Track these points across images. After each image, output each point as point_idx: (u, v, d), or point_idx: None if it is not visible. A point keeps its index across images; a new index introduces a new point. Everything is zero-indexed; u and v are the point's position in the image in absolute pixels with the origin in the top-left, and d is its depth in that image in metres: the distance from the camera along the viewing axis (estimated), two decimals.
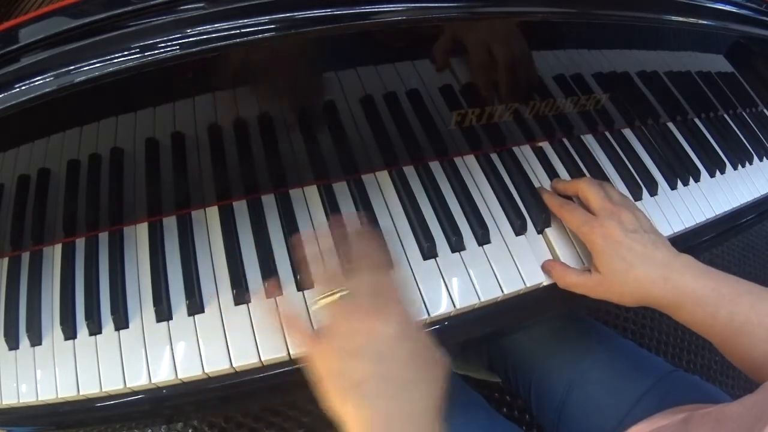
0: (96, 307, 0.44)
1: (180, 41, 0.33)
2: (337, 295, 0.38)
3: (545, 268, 0.50)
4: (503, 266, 0.49)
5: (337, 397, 0.35)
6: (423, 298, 0.46)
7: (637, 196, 0.57)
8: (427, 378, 0.37)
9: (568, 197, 0.53)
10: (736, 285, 0.43)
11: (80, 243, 0.47)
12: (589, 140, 0.62)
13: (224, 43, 0.34)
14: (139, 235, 0.48)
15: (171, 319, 0.44)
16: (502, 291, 0.48)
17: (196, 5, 0.33)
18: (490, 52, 0.46)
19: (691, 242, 0.58)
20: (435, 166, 0.54)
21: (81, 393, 0.41)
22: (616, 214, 0.47)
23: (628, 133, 0.64)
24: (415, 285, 0.47)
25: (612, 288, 0.45)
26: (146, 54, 0.33)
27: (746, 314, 0.41)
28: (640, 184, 0.58)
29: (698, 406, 0.47)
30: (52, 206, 0.45)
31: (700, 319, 0.43)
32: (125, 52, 0.33)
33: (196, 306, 0.44)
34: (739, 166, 0.67)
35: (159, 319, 0.44)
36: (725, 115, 0.73)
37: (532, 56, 0.49)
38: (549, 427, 0.61)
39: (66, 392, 0.41)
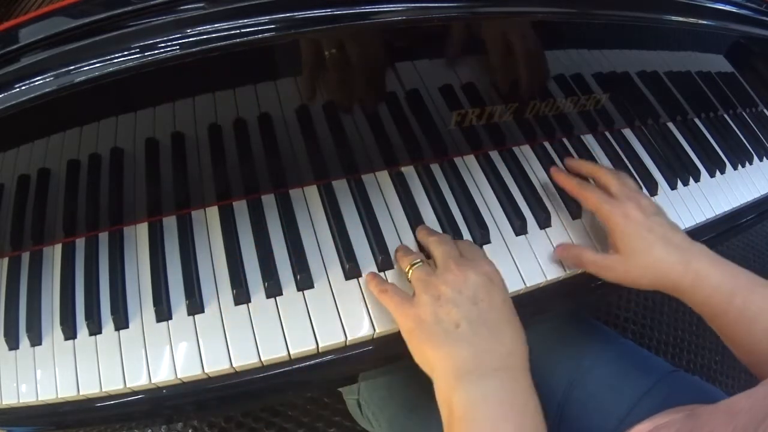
0: (96, 307, 0.44)
1: (180, 41, 0.33)
2: (416, 265, 0.42)
3: (560, 249, 0.49)
4: (503, 266, 0.49)
5: (429, 345, 0.37)
6: None
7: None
8: (515, 325, 0.39)
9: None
10: (751, 276, 0.43)
11: (80, 243, 0.47)
12: (589, 140, 0.62)
13: (224, 43, 0.34)
14: (139, 235, 0.48)
15: (171, 319, 0.44)
16: None
17: (196, 5, 0.33)
18: (492, 52, 0.46)
19: None
20: (435, 166, 0.54)
21: (81, 393, 0.41)
22: (636, 198, 0.47)
23: (628, 133, 0.64)
24: None
25: (632, 269, 0.45)
26: (146, 54, 0.33)
27: (759, 305, 0.41)
28: (640, 184, 0.58)
29: (698, 407, 0.47)
30: (52, 206, 0.45)
31: (714, 305, 0.43)
32: (125, 52, 0.33)
33: (196, 306, 0.44)
34: (739, 166, 0.67)
35: (159, 319, 0.44)
36: (725, 115, 0.73)
37: (533, 56, 0.49)
38: (549, 426, 0.61)
39: (66, 392, 0.41)
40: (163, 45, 0.33)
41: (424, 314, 0.38)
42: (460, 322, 0.37)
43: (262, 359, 0.42)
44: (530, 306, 0.50)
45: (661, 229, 0.45)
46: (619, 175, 0.51)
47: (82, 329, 0.43)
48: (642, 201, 0.47)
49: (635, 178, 0.58)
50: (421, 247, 0.48)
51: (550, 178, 0.55)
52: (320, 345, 0.43)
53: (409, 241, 0.49)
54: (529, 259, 0.50)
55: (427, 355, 0.37)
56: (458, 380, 0.35)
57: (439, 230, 0.50)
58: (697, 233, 0.59)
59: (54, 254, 0.47)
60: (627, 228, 0.45)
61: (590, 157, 0.60)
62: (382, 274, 0.47)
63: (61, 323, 0.43)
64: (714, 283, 0.42)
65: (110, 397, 0.42)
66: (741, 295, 0.41)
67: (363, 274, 0.46)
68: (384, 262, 0.47)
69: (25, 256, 0.47)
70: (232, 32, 0.33)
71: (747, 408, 0.34)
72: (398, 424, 0.57)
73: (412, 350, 0.39)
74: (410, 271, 0.42)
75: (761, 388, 0.34)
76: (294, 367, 0.43)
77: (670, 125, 0.67)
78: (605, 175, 0.50)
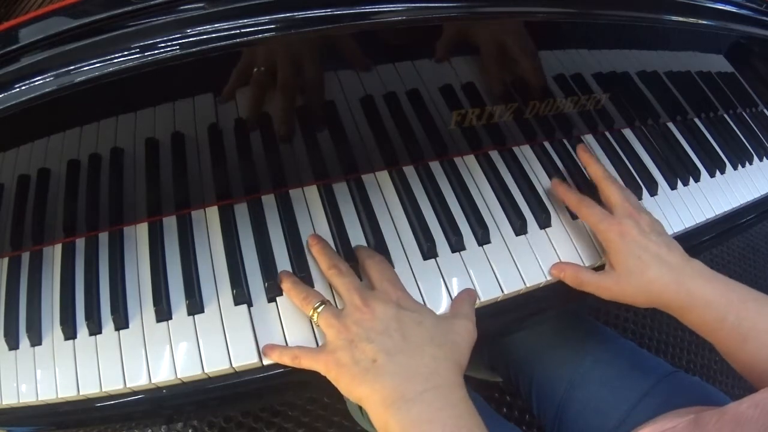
0: (96, 307, 0.44)
1: (180, 41, 0.33)
2: (320, 308, 0.42)
3: (555, 271, 0.49)
4: (503, 266, 0.49)
5: (354, 384, 0.37)
6: (423, 298, 0.46)
7: (637, 196, 0.57)
8: (436, 341, 0.39)
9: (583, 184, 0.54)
10: (744, 291, 0.43)
11: (80, 243, 0.47)
12: (589, 140, 0.62)
13: (224, 43, 0.34)
14: (139, 235, 0.48)
15: (171, 319, 0.44)
16: (502, 291, 0.48)
17: (196, 5, 0.33)
18: (492, 52, 0.46)
19: (691, 242, 0.58)
20: (435, 166, 0.54)
21: (81, 393, 0.41)
22: (634, 216, 0.47)
23: (628, 133, 0.64)
24: (415, 285, 0.47)
25: (626, 288, 0.45)
26: (146, 54, 0.33)
27: (753, 320, 0.41)
28: (640, 184, 0.58)
29: (699, 408, 0.47)
30: (52, 206, 0.45)
31: (708, 323, 0.43)
32: (125, 52, 0.33)
33: (196, 306, 0.44)
34: (739, 166, 0.67)
35: (159, 319, 0.44)
36: (725, 115, 0.73)
37: (534, 56, 0.49)
38: (549, 427, 0.61)
39: (66, 392, 0.41)
40: (163, 45, 0.33)
41: (342, 359, 0.38)
42: (377, 357, 0.37)
43: (262, 359, 0.42)
44: (530, 306, 0.50)
45: (656, 248, 0.45)
46: (622, 188, 0.51)
47: (82, 329, 0.43)
48: (641, 219, 0.47)
49: (635, 178, 0.59)
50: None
51: (551, 188, 0.55)
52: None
53: (409, 241, 0.49)
54: (529, 259, 0.50)
55: (355, 392, 0.38)
56: (387, 410, 0.36)
57: (439, 230, 0.50)
58: (697, 233, 0.59)
59: (54, 254, 0.47)
60: (622, 247, 0.46)
61: None
62: None
63: (61, 323, 0.43)
64: (707, 301, 0.43)
65: (110, 397, 0.42)
66: (734, 312, 0.42)
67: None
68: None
69: (25, 256, 0.47)
70: (232, 32, 0.33)
71: (755, 418, 0.34)
72: None
73: (343, 392, 0.39)
74: (314, 315, 0.41)
75: (764, 394, 0.34)
76: (294, 367, 0.43)
77: (670, 125, 0.67)
78: (609, 187, 0.50)
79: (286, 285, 0.44)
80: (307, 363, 0.40)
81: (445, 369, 0.38)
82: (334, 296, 0.45)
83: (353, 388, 0.37)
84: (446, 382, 0.37)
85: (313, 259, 0.47)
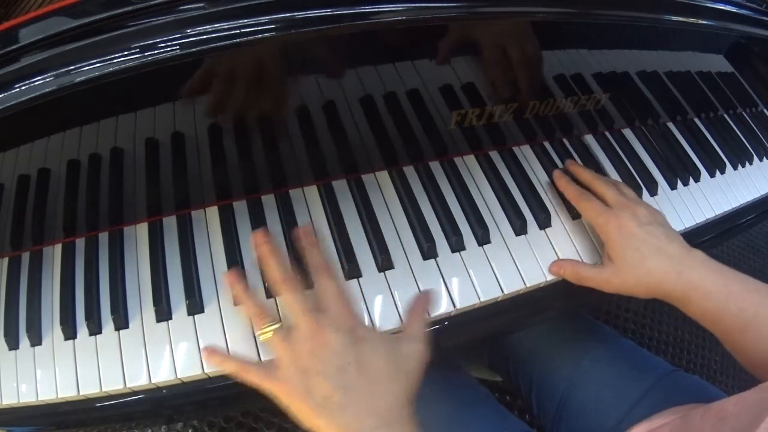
0: (96, 307, 0.44)
1: (180, 41, 0.33)
2: (272, 327, 0.40)
3: (555, 268, 0.49)
4: (503, 266, 0.49)
5: (309, 416, 0.36)
6: None
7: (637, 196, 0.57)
8: (391, 374, 0.38)
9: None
10: (745, 282, 0.43)
11: (80, 243, 0.47)
12: (589, 140, 0.62)
13: (224, 43, 0.34)
14: (139, 235, 0.48)
15: (171, 319, 0.44)
16: (502, 291, 0.48)
17: (196, 5, 0.33)
18: (492, 52, 0.46)
19: (691, 242, 0.57)
20: (435, 166, 0.54)
21: (81, 393, 0.41)
22: (631, 208, 0.47)
23: (628, 133, 0.64)
24: (415, 285, 0.47)
25: (626, 280, 0.45)
26: (146, 54, 0.33)
27: (755, 310, 0.41)
28: (640, 184, 0.58)
29: (696, 406, 0.47)
30: (52, 206, 0.45)
31: (708, 313, 0.43)
32: (125, 52, 0.33)
33: (196, 306, 0.44)
34: (739, 166, 0.67)
35: (159, 319, 0.44)
36: (725, 115, 0.73)
37: (533, 56, 0.49)
38: (549, 426, 0.61)
39: (66, 392, 0.41)
40: (163, 45, 0.33)
41: (296, 390, 0.37)
42: (332, 394, 0.36)
43: (262, 359, 0.42)
44: (530, 306, 0.50)
45: (654, 239, 0.45)
46: (616, 184, 0.51)
47: (82, 329, 0.43)
48: (638, 210, 0.47)
49: (635, 178, 0.59)
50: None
51: (553, 181, 0.55)
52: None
53: (409, 241, 0.49)
54: (529, 259, 0.50)
55: (308, 424, 0.37)
56: None
57: (439, 230, 0.50)
58: (697, 233, 0.59)
59: (54, 254, 0.47)
60: (621, 239, 0.46)
61: (590, 157, 0.60)
62: (381, 274, 0.47)
63: (61, 323, 0.43)
64: (707, 291, 0.43)
65: (110, 397, 0.42)
66: (734, 303, 0.42)
67: (363, 274, 0.46)
68: (384, 262, 0.47)
69: (25, 256, 0.47)
70: (232, 32, 0.33)
71: (735, 413, 0.34)
72: None
73: (295, 417, 0.38)
74: (264, 334, 0.40)
75: (751, 393, 0.35)
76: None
77: (670, 125, 0.67)
78: (601, 186, 0.51)
79: (237, 290, 0.42)
80: (254, 380, 0.38)
81: (398, 404, 0.37)
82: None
83: (306, 418, 0.37)
84: (398, 417, 0.37)
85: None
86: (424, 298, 0.45)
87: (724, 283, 0.43)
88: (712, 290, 0.43)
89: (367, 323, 0.41)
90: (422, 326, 0.42)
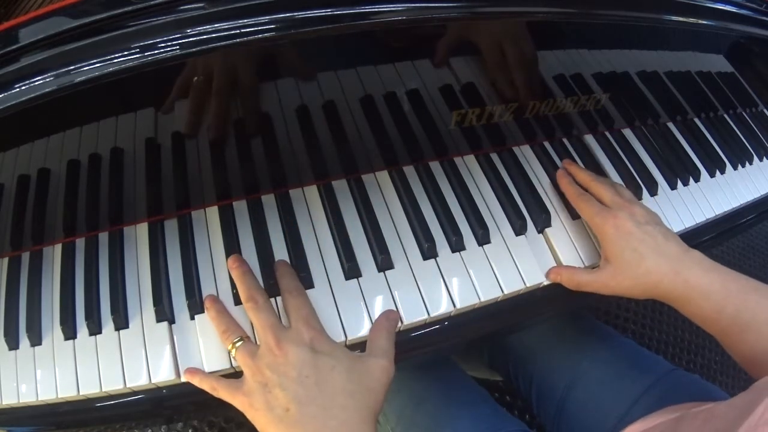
0: (96, 307, 0.44)
1: (180, 41, 0.33)
2: (238, 344, 0.41)
3: (552, 275, 0.49)
4: (503, 266, 0.49)
5: (268, 428, 0.37)
6: (423, 298, 0.46)
7: (637, 196, 0.57)
8: (348, 389, 0.38)
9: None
10: (744, 282, 0.43)
11: (80, 243, 0.47)
12: (589, 140, 0.62)
13: (224, 43, 0.34)
14: (139, 235, 0.48)
15: (171, 319, 0.44)
16: (502, 291, 0.48)
17: (196, 5, 0.33)
18: (492, 52, 0.46)
19: (691, 242, 0.58)
20: (435, 166, 0.54)
21: (81, 393, 0.41)
22: (628, 208, 0.48)
23: (628, 133, 0.64)
24: (415, 284, 0.47)
25: (624, 281, 0.45)
26: (146, 54, 0.33)
27: (752, 311, 0.41)
28: (640, 184, 0.58)
29: (694, 405, 0.47)
30: (52, 206, 0.45)
31: (706, 314, 0.43)
32: (125, 52, 0.33)
33: (196, 306, 0.44)
34: (739, 166, 0.67)
35: (159, 319, 0.44)
36: (725, 115, 0.73)
37: (534, 56, 0.49)
38: (549, 425, 0.61)
39: (66, 392, 0.41)
40: (163, 45, 0.33)
41: (257, 403, 0.38)
42: (289, 406, 0.36)
43: None
44: (530, 306, 0.50)
45: (652, 239, 0.45)
46: (613, 185, 0.52)
47: (82, 329, 0.43)
48: (635, 210, 0.47)
49: (635, 178, 0.59)
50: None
51: (554, 181, 0.56)
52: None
53: (409, 241, 0.49)
54: (529, 259, 0.50)
55: None
56: None
57: (439, 230, 0.50)
58: (697, 233, 0.59)
59: (54, 254, 0.47)
60: (618, 239, 0.46)
61: (590, 157, 0.60)
62: (381, 274, 0.47)
63: (61, 323, 0.43)
64: (705, 291, 0.43)
65: (110, 397, 0.42)
66: (733, 303, 0.42)
67: (363, 274, 0.46)
68: (384, 261, 0.47)
69: (25, 256, 0.47)
70: (232, 32, 0.33)
71: (722, 414, 0.34)
72: (406, 417, 0.57)
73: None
74: (233, 350, 0.41)
75: (741, 396, 0.35)
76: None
77: (670, 125, 0.67)
78: (598, 186, 0.51)
79: (210, 313, 0.43)
80: (224, 396, 0.40)
81: (355, 420, 0.37)
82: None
83: (267, 431, 0.37)
84: (363, 429, 0.37)
85: (313, 259, 0.47)
86: (390, 315, 0.44)
87: (723, 283, 0.43)
88: (711, 290, 0.42)
89: (330, 339, 0.41)
90: (388, 342, 0.42)
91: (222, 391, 0.40)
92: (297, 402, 0.37)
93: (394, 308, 0.45)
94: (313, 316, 0.42)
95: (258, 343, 0.41)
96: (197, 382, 0.41)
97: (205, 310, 0.44)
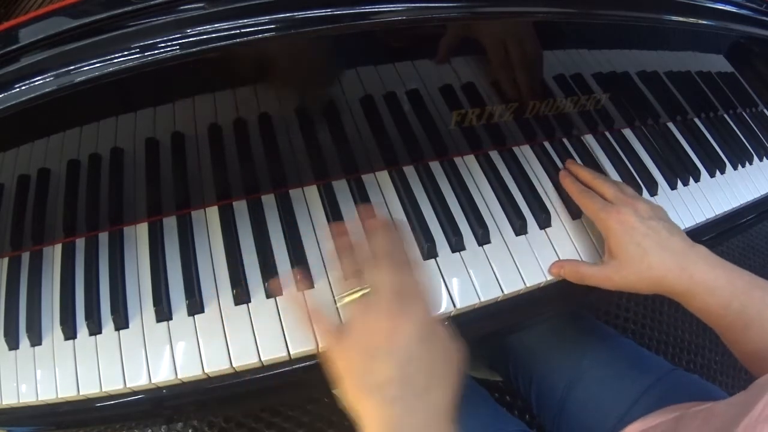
0: (96, 307, 0.44)
1: (180, 41, 0.33)
2: (360, 293, 0.39)
3: (554, 269, 0.49)
4: (503, 266, 0.49)
5: (358, 394, 0.36)
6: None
7: None
8: (445, 380, 0.37)
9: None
10: (749, 278, 0.43)
11: (80, 243, 0.47)
12: (589, 140, 0.62)
13: (224, 43, 0.34)
14: (139, 235, 0.48)
15: (171, 319, 0.44)
16: (502, 291, 0.48)
17: (196, 5, 0.33)
18: (492, 52, 0.46)
19: None
20: (435, 166, 0.54)
21: (81, 393, 0.41)
22: (632, 203, 0.47)
23: (628, 133, 0.64)
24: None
25: (628, 276, 0.45)
26: (146, 54, 0.33)
27: (758, 307, 0.41)
28: (640, 184, 0.58)
29: (694, 404, 0.47)
30: (52, 206, 0.45)
31: (711, 309, 0.43)
32: (125, 52, 0.33)
33: (196, 306, 0.44)
34: (739, 166, 0.67)
35: (159, 319, 0.44)
36: (725, 115, 0.73)
37: (534, 56, 0.49)
38: (549, 425, 0.61)
39: (66, 392, 0.41)
40: (163, 45, 0.33)
41: (355, 362, 0.36)
42: (390, 382, 0.35)
43: (262, 359, 0.42)
44: (530, 306, 0.50)
45: (656, 234, 0.45)
46: (615, 182, 0.51)
47: (82, 329, 0.43)
48: (639, 205, 0.47)
49: (635, 178, 0.59)
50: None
51: (555, 181, 0.55)
52: (320, 345, 0.43)
53: (409, 241, 0.49)
54: (529, 259, 0.50)
55: (354, 401, 0.37)
56: None
57: (439, 230, 0.50)
58: (697, 233, 0.59)
59: (54, 254, 0.47)
60: (622, 235, 0.46)
61: (590, 157, 0.60)
62: None
63: (61, 323, 0.43)
64: (710, 287, 0.42)
65: (110, 397, 0.42)
66: (738, 299, 0.42)
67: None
68: None
69: (25, 256, 0.47)
70: (232, 32, 0.33)
71: (721, 412, 0.34)
72: None
73: (342, 390, 0.37)
74: (347, 298, 0.39)
75: (740, 395, 0.35)
76: (294, 367, 0.43)
77: (670, 125, 0.67)
78: (601, 184, 0.51)
79: (339, 242, 0.43)
80: (321, 331, 0.40)
81: (447, 408, 0.37)
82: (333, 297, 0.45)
83: (355, 395, 0.36)
84: (445, 422, 0.36)
85: (313, 259, 0.47)
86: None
87: (728, 279, 0.42)
88: (716, 286, 0.42)
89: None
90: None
91: (323, 326, 0.40)
92: (398, 381, 0.35)
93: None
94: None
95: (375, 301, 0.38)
96: (293, 307, 0.42)
97: (336, 238, 0.44)
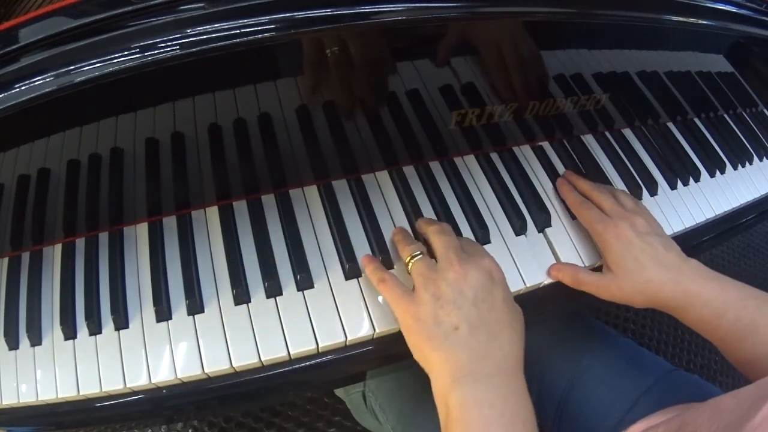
0: (96, 307, 0.44)
1: (180, 41, 0.33)
2: (417, 257, 0.42)
3: (554, 272, 0.49)
4: (504, 266, 0.48)
5: (428, 346, 0.37)
6: None
7: (637, 197, 0.57)
8: (510, 328, 0.39)
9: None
10: (742, 289, 0.43)
11: (80, 243, 0.47)
12: (589, 140, 0.62)
13: (224, 43, 0.34)
14: (139, 235, 0.48)
15: (171, 319, 0.44)
16: None
17: (196, 5, 0.33)
18: (491, 52, 0.46)
19: (691, 242, 0.58)
20: (435, 166, 0.54)
21: (81, 393, 0.41)
22: (629, 218, 0.48)
23: (628, 133, 0.64)
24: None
25: (624, 288, 0.46)
26: (146, 54, 0.33)
27: (752, 317, 0.41)
28: (640, 184, 0.58)
29: (693, 404, 0.47)
30: (52, 206, 0.45)
31: (706, 322, 0.43)
32: (125, 52, 0.33)
33: (196, 306, 0.44)
34: (739, 166, 0.67)
35: (159, 319, 0.44)
36: (725, 115, 0.73)
37: (534, 56, 0.49)
38: (549, 425, 0.61)
39: (66, 392, 0.41)
40: (163, 45, 0.33)
41: (424, 314, 0.38)
42: (459, 325, 0.37)
43: (262, 359, 0.42)
44: (530, 306, 0.50)
45: (652, 249, 0.45)
46: (614, 193, 0.52)
47: (82, 329, 0.43)
48: (636, 220, 0.47)
49: (635, 178, 0.58)
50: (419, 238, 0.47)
51: (554, 185, 0.56)
52: (320, 345, 0.43)
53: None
54: (529, 259, 0.50)
55: (425, 353, 0.38)
56: (454, 382, 0.36)
57: None
58: (697, 233, 0.59)
59: (54, 254, 0.47)
60: (618, 248, 0.46)
61: (590, 157, 0.60)
62: None
63: (61, 323, 0.43)
64: (704, 300, 0.43)
65: (110, 397, 0.42)
66: (732, 311, 0.42)
67: (363, 274, 0.46)
68: (384, 261, 0.46)
69: (25, 256, 0.47)
70: (232, 32, 0.33)
71: (731, 407, 0.34)
72: (406, 416, 0.57)
73: (411, 346, 0.39)
74: (410, 263, 0.42)
75: (747, 388, 0.35)
76: (294, 367, 0.43)
77: (670, 125, 0.67)
78: (599, 196, 0.51)
79: (396, 233, 0.46)
80: (388, 294, 0.41)
81: (514, 356, 0.38)
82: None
83: (425, 349, 0.37)
84: (513, 370, 0.38)
85: (313, 259, 0.47)
86: None
87: (722, 291, 0.43)
88: (710, 299, 0.43)
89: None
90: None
91: (390, 287, 0.41)
92: (468, 323, 0.37)
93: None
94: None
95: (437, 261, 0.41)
96: (371, 272, 0.43)
97: (394, 235, 0.46)
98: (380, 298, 0.45)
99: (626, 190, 0.58)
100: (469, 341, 0.36)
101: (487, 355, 0.36)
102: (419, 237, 0.47)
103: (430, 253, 0.44)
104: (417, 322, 0.38)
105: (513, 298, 0.42)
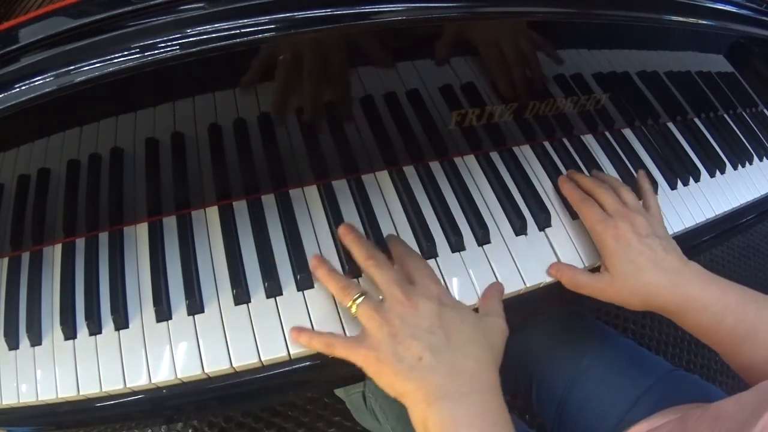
0: (96, 307, 0.44)
1: (180, 41, 0.33)
2: (359, 299, 0.40)
3: (553, 271, 0.49)
4: (503, 266, 0.49)
5: (398, 378, 0.37)
6: None
7: (637, 197, 0.57)
8: (480, 341, 0.39)
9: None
10: (742, 293, 0.43)
11: (80, 243, 0.47)
12: (589, 140, 0.62)
13: (224, 43, 0.34)
14: (139, 235, 0.48)
15: (171, 319, 0.44)
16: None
17: (196, 5, 0.33)
18: (491, 52, 0.46)
19: (691, 242, 0.58)
20: (435, 166, 0.54)
21: (81, 393, 0.41)
22: (630, 218, 0.47)
23: (628, 133, 0.64)
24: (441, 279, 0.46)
25: (622, 291, 0.45)
26: (146, 54, 0.33)
27: (751, 322, 0.41)
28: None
29: (695, 405, 0.47)
30: (52, 206, 0.45)
31: (704, 326, 0.43)
32: (125, 52, 0.33)
33: (196, 306, 0.44)
34: (739, 166, 0.67)
35: (159, 319, 0.44)
36: (725, 115, 0.73)
37: (534, 56, 0.49)
38: (549, 425, 0.61)
39: (66, 392, 0.41)
40: (163, 45, 0.33)
41: (384, 355, 0.37)
42: (422, 355, 0.36)
43: (262, 359, 0.42)
44: (530, 306, 0.50)
45: (652, 252, 0.45)
46: (618, 189, 0.51)
47: (82, 329, 0.43)
48: (636, 220, 0.47)
49: (635, 178, 0.58)
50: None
51: (554, 183, 0.55)
52: (356, 362, 0.42)
53: (409, 241, 0.49)
54: (529, 259, 0.50)
55: (396, 388, 0.37)
56: (430, 407, 0.36)
57: (439, 230, 0.50)
58: (697, 233, 0.59)
59: (54, 254, 0.47)
60: (617, 250, 0.46)
61: (590, 156, 0.60)
62: None
63: (61, 323, 0.43)
64: (703, 304, 0.43)
65: (110, 397, 0.42)
66: (731, 316, 0.42)
67: (363, 275, 0.46)
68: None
69: (25, 256, 0.47)
70: (232, 32, 0.33)
71: (732, 413, 0.34)
72: (406, 417, 0.57)
73: (383, 387, 0.38)
74: (353, 306, 0.40)
75: (748, 393, 0.35)
76: (294, 367, 0.43)
77: (670, 125, 0.67)
78: (601, 193, 0.51)
79: (320, 272, 0.43)
80: (342, 353, 0.39)
81: (486, 372, 0.37)
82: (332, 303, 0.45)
83: (395, 384, 0.37)
84: (487, 387, 0.37)
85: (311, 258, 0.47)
86: (497, 286, 0.47)
87: (721, 296, 0.43)
88: (709, 303, 0.43)
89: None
90: (500, 303, 0.44)
91: (340, 348, 0.40)
92: (430, 350, 0.36)
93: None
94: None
95: (380, 298, 0.40)
96: (306, 341, 0.41)
97: (313, 270, 0.44)
98: (379, 298, 0.45)
99: None
100: (437, 366, 0.36)
101: (457, 376, 0.36)
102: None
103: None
104: (380, 365, 0.37)
105: (472, 311, 0.41)
